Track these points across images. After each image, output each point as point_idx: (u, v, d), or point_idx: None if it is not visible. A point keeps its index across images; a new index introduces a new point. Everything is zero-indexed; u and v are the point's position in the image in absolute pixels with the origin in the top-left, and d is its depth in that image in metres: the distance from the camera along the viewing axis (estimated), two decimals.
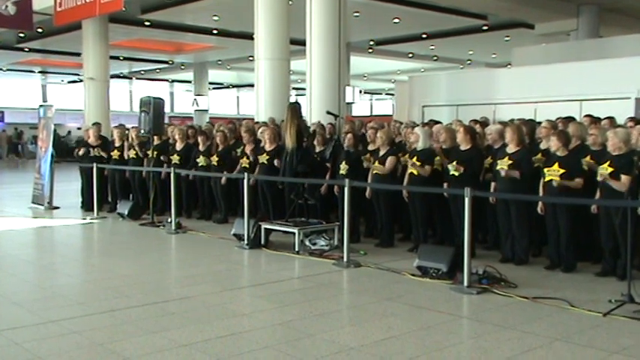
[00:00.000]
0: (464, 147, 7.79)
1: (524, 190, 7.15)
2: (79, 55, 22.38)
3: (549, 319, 5.37)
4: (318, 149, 9.46)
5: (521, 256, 7.38)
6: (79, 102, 22.30)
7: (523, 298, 5.95)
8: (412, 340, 4.87)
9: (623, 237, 6.10)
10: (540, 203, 7.14)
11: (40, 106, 14.38)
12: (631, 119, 8.89)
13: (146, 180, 11.38)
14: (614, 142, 6.63)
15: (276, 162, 9.43)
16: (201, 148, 10.88)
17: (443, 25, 22.39)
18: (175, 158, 10.98)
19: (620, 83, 11.78)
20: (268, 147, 9.78)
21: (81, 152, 12.20)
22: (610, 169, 6.51)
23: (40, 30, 22.28)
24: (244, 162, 10.06)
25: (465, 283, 6.22)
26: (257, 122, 12.45)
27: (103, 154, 11.94)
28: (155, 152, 11.07)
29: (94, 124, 14.14)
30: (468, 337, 5.19)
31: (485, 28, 22.76)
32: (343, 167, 8.67)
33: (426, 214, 8.14)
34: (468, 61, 31.71)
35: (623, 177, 6.39)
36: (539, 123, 8.59)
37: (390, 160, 8.33)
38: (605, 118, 8.97)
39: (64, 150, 24.36)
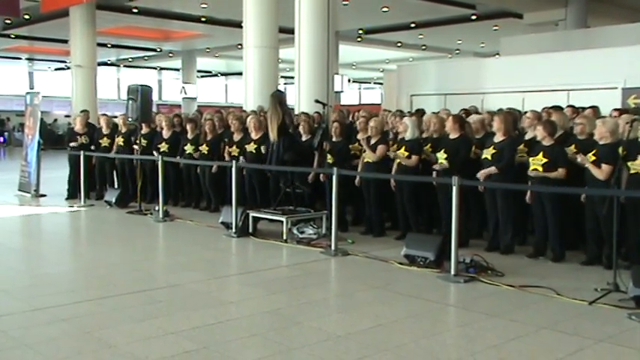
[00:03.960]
0: (452, 136, 7.81)
1: (510, 180, 7.18)
2: (66, 42, 22.19)
3: (535, 308, 5.41)
4: (304, 138, 9.44)
5: (507, 244, 7.42)
6: (66, 89, 22.13)
7: (510, 287, 5.98)
8: (399, 328, 4.90)
9: (609, 226, 6.14)
10: (528, 192, 7.18)
11: (27, 93, 14.25)
12: (616, 110, 8.92)
13: (135, 168, 11.32)
14: (601, 132, 6.67)
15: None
16: (189, 136, 10.82)
17: (431, 14, 22.36)
18: (164, 146, 10.93)
19: (608, 73, 11.84)
20: (255, 135, 9.76)
21: (72, 144, 12.08)
22: (593, 158, 6.57)
23: (26, 16, 22.07)
24: (234, 150, 10.03)
25: (453, 272, 6.25)
26: (244, 111, 12.39)
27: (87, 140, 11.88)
28: (144, 141, 11.01)
29: (82, 111, 14.03)
30: (455, 325, 5.23)
31: (473, 17, 22.74)
32: (329, 157, 8.68)
33: (413, 203, 8.16)
34: (457, 51, 31.69)
35: (604, 166, 6.45)
36: (524, 113, 8.63)
37: (380, 149, 8.33)
38: (588, 108, 9.01)
39: (51, 138, 24.20)
